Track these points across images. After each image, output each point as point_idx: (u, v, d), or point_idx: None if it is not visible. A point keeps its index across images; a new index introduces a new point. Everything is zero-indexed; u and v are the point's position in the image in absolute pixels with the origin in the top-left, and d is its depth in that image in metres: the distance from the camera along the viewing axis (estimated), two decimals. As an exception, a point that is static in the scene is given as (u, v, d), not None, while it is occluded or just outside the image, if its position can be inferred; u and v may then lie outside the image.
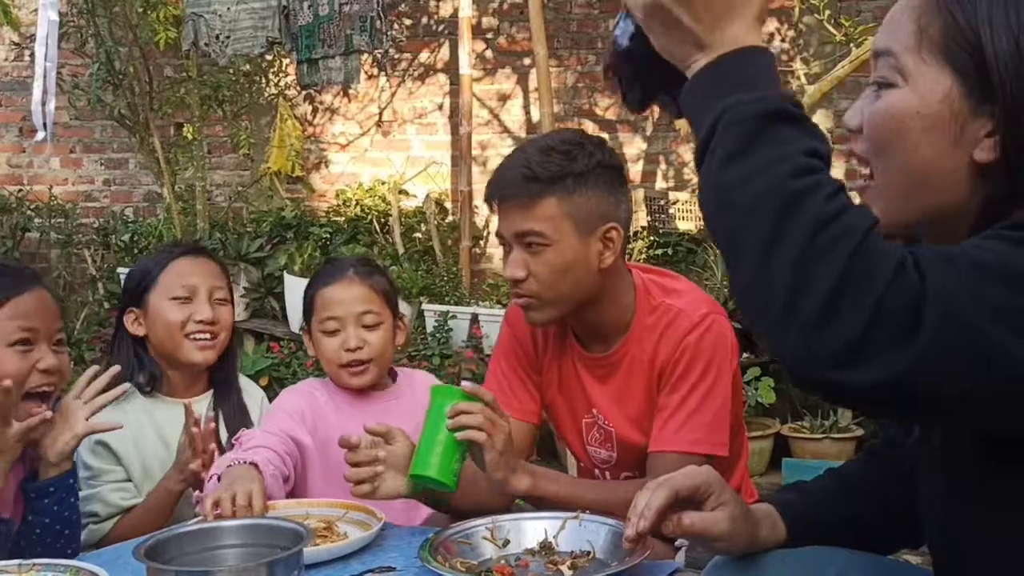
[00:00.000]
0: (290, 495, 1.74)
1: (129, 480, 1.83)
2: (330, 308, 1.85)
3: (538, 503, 1.57)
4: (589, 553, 1.41)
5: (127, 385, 1.74)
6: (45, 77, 3.84)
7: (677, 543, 1.61)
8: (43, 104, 3.91)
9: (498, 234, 1.68)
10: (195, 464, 1.72)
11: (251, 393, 2.02)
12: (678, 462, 1.48)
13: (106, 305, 5.04)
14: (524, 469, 1.54)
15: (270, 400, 2.01)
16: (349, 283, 1.86)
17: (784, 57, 5.20)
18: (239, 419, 1.93)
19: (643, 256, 4.55)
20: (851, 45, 3.92)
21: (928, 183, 0.91)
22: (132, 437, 1.83)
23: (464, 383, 1.52)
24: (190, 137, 5.03)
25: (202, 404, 1.93)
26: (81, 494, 1.70)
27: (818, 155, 0.82)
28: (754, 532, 1.11)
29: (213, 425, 1.80)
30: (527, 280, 1.62)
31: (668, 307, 1.67)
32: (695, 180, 5.26)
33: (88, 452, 1.81)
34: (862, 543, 1.12)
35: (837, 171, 0.87)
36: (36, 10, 4.22)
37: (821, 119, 5.00)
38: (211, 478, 1.63)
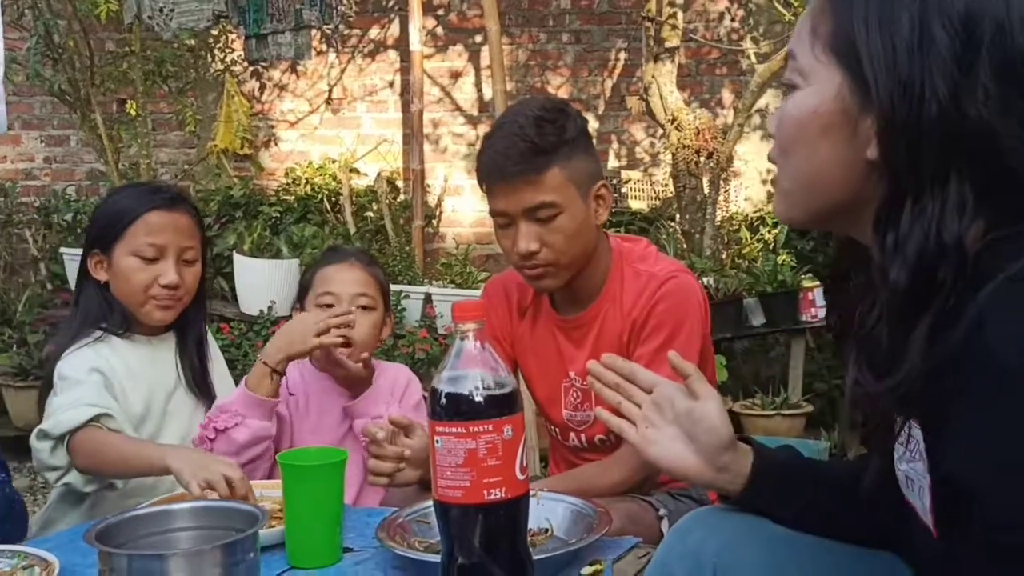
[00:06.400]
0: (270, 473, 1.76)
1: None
2: (328, 284, 1.89)
3: None
4: (547, 530, 1.41)
5: None
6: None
7: (660, 512, 1.64)
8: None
9: (499, 213, 1.69)
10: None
11: (216, 354, 2.01)
12: None
13: (48, 286, 4.92)
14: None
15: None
16: (350, 266, 1.92)
17: (734, 36, 5.24)
18: (199, 360, 1.92)
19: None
20: (800, 24, 3.96)
21: (829, 182, 0.93)
22: (118, 380, 1.80)
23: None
24: (134, 113, 4.90)
25: (169, 342, 1.91)
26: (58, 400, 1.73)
27: None
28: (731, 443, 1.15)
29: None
30: (541, 251, 1.66)
31: (639, 271, 1.74)
32: (647, 159, 5.32)
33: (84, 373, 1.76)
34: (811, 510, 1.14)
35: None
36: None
37: (770, 98, 5.05)
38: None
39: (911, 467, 0.97)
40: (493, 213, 1.71)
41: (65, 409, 1.70)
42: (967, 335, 0.80)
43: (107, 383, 1.78)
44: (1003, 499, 0.78)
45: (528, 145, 1.62)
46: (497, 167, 1.66)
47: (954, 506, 0.86)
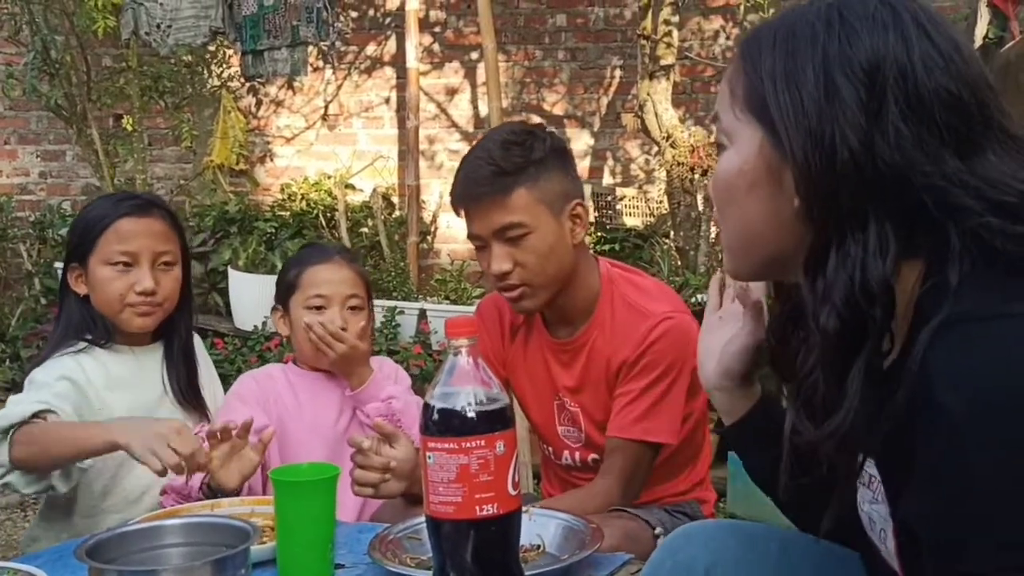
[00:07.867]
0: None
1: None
2: (318, 286, 1.86)
3: None
4: (539, 547, 1.41)
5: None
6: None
7: (657, 531, 1.64)
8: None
9: (473, 236, 1.72)
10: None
11: (206, 363, 1.98)
12: (632, 448, 1.67)
13: (43, 301, 4.91)
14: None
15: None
16: (338, 266, 1.88)
17: (729, 54, 5.27)
18: (185, 370, 1.89)
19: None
20: (794, 43, 3.99)
21: (763, 235, 0.94)
22: (95, 391, 1.77)
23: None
24: (130, 129, 4.92)
25: (155, 352, 1.88)
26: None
27: None
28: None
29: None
30: (514, 271, 1.68)
31: (632, 304, 1.74)
32: (642, 176, 5.34)
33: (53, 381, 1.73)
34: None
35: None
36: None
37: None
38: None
39: (874, 508, 0.97)
40: (469, 236, 1.75)
41: (14, 405, 1.67)
42: (912, 383, 0.80)
43: (79, 392, 1.75)
44: (949, 552, 0.78)
45: (493, 168, 1.66)
46: (466, 191, 1.70)
47: (917, 550, 0.85)
